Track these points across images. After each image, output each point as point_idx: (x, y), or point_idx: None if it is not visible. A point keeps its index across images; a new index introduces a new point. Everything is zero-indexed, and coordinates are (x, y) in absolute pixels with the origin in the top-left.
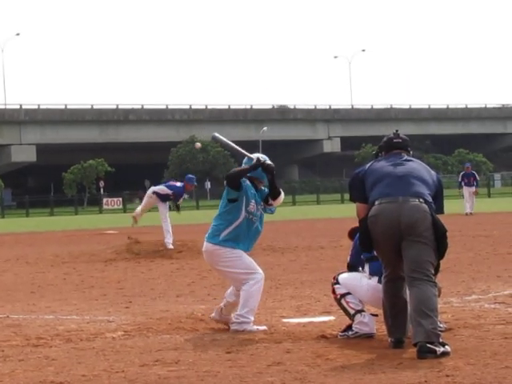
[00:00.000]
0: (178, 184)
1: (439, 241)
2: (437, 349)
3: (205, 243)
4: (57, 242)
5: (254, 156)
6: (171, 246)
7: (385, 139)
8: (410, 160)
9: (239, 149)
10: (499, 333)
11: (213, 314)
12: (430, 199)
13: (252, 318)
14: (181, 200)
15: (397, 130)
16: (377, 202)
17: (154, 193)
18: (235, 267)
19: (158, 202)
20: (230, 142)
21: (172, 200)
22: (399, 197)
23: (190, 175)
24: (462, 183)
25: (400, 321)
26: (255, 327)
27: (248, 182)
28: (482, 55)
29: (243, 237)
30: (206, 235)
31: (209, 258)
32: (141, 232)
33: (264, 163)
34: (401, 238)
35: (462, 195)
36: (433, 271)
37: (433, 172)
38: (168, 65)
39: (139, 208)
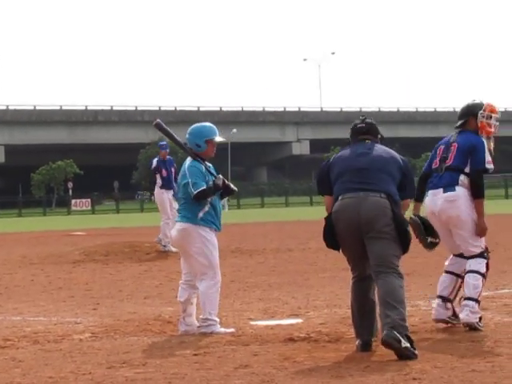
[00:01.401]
0: (154, 161)
1: (401, 236)
2: (402, 340)
3: (180, 223)
4: (25, 244)
5: (220, 177)
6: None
7: (351, 126)
8: (374, 148)
9: (182, 143)
10: (466, 336)
11: (179, 329)
12: (392, 191)
13: (217, 320)
14: (164, 172)
15: (363, 115)
16: (340, 198)
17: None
18: (206, 256)
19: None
20: (173, 134)
21: (162, 177)
22: (360, 192)
23: (161, 142)
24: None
25: (368, 322)
26: (223, 329)
27: (199, 164)
28: (450, 59)
29: (216, 215)
30: (179, 217)
31: (184, 239)
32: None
33: (229, 186)
34: (362, 234)
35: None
36: (398, 263)
37: (399, 158)
38: (137, 66)
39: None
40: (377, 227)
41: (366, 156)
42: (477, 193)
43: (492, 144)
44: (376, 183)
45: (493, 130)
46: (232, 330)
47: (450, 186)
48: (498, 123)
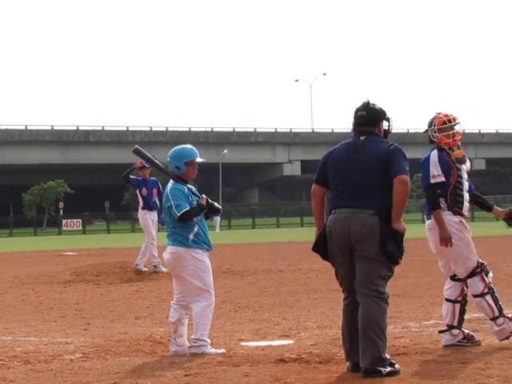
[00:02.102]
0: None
1: (387, 256)
2: (382, 369)
3: (172, 247)
4: (15, 263)
5: (204, 197)
6: (145, 268)
7: (354, 111)
8: (366, 148)
9: (162, 167)
10: (457, 358)
11: (170, 350)
12: (383, 204)
13: (209, 341)
14: (144, 190)
15: (367, 100)
16: (332, 212)
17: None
18: (199, 278)
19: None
20: (153, 158)
21: (143, 196)
22: (350, 209)
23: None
24: None
25: (358, 345)
26: (213, 350)
27: (181, 186)
28: (440, 80)
29: (205, 235)
30: (170, 241)
31: (177, 262)
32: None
33: (213, 205)
34: (353, 252)
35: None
36: (382, 284)
37: (389, 147)
38: (129, 86)
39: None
40: (364, 248)
41: (356, 162)
42: (430, 207)
43: (460, 150)
44: (365, 197)
45: (450, 140)
46: (223, 350)
47: (428, 214)
48: (457, 128)
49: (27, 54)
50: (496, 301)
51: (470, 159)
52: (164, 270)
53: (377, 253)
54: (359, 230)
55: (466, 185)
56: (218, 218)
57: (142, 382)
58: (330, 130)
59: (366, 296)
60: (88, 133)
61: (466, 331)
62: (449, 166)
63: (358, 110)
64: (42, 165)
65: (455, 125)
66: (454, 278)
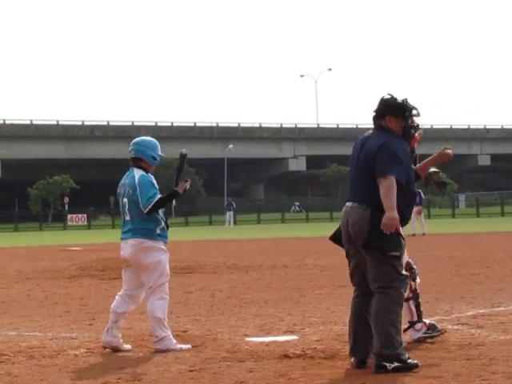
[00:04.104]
0: None
1: (376, 250)
2: (387, 364)
3: (136, 239)
4: (21, 258)
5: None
6: None
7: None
8: (367, 143)
9: (177, 176)
10: (462, 354)
11: (103, 339)
12: (375, 200)
13: (168, 332)
14: None
15: (389, 94)
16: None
17: None
18: (162, 270)
19: None
20: (181, 168)
21: None
22: (350, 202)
23: None
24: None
25: (363, 341)
26: (179, 346)
27: (150, 176)
28: (446, 75)
29: (167, 229)
30: (132, 233)
31: (142, 254)
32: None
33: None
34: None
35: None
36: (386, 279)
37: (379, 144)
38: (134, 81)
39: None
40: (358, 244)
41: (357, 158)
42: None
43: None
44: (360, 193)
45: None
46: (188, 346)
47: None
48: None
49: (32, 49)
50: (418, 306)
51: (475, 155)
52: None
53: (365, 248)
54: (352, 227)
55: None
56: (230, 213)
57: (146, 377)
58: (335, 126)
59: (374, 292)
60: (93, 128)
61: (427, 322)
62: None
63: (380, 100)
64: (47, 160)
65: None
66: None
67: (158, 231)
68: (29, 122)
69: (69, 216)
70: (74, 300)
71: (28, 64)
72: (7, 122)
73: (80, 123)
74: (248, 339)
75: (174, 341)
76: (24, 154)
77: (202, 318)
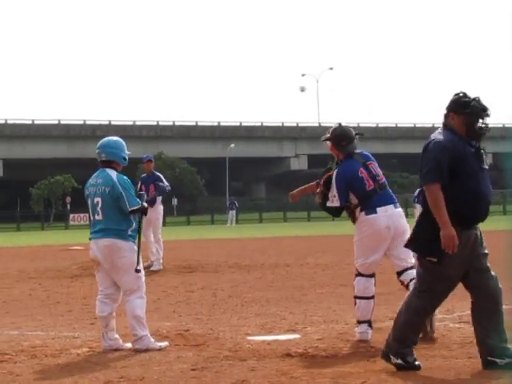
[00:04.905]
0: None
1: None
2: (392, 357)
3: (107, 239)
4: (23, 258)
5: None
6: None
7: None
8: None
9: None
10: (464, 352)
11: (102, 345)
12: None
13: (147, 331)
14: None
15: (462, 91)
16: None
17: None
18: (133, 272)
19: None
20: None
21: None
22: None
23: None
24: (416, 200)
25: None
26: (158, 344)
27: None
28: (448, 74)
29: (136, 230)
30: (102, 234)
31: (115, 254)
32: None
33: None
34: None
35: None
36: (417, 280)
37: (426, 143)
38: (136, 81)
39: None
40: None
41: None
42: None
43: None
44: None
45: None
46: (166, 343)
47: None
48: None
49: (34, 49)
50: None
51: None
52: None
53: None
54: None
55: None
56: (233, 212)
57: (148, 376)
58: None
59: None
60: (95, 127)
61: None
62: None
63: None
64: (49, 159)
65: None
66: (373, 275)
67: (130, 232)
68: (30, 122)
69: (71, 215)
70: (76, 299)
71: (30, 64)
72: (9, 122)
73: (82, 123)
74: (250, 338)
75: (153, 339)
76: (26, 153)
77: (204, 317)
